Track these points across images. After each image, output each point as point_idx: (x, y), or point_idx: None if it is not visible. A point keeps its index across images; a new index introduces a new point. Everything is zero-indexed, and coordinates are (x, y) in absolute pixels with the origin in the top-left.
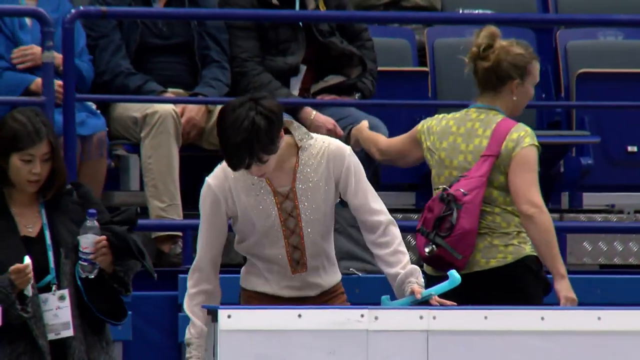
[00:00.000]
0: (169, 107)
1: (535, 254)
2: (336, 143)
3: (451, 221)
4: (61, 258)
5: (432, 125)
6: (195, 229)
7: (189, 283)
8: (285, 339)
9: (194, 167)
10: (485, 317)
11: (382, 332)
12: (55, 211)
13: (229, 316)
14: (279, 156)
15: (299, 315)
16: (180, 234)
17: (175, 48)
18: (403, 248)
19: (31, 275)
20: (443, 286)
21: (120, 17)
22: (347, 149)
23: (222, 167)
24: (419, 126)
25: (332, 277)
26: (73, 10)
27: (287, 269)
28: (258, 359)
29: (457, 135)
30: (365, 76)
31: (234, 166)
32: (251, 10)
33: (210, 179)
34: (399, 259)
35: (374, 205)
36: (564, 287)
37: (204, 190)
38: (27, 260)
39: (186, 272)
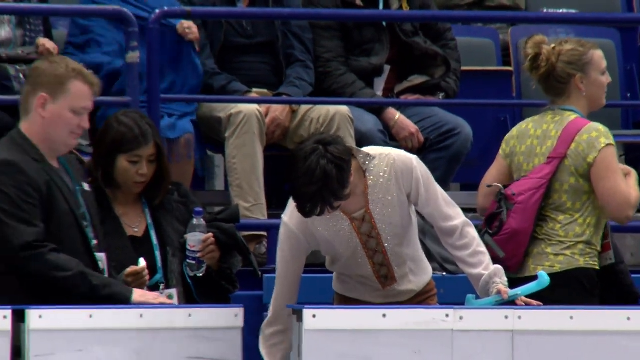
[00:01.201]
0: (253, 107)
1: (592, 267)
2: (401, 157)
3: (501, 219)
4: (168, 257)
5: (513, 131)
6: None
7: (265, 322)
8: (370, 339)
9: (278, 166)
10: (571, 317)
11: (467, 331)
12: (160, 211)
13: (314, 316)
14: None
15: (384, 315)
16: (265, 233)
17: (260, 47)
18: (482, 248)
19: (147, 277)
20: (531, 287)
21: (205, 17)
22: (413, 159)
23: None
24: (502, 144)
25: (423, 276)
26: (157, 11)
27: (378, 285)
28: (342, 358)
29: (534, 138)
30: (449, 76)
31: (307, 214)
32: (335, 10)
33: (286, 218)
34: (480, 260)
35: (446, 210)
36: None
37: (282, 230)
38: (143, 262)
39: (272, 271)
